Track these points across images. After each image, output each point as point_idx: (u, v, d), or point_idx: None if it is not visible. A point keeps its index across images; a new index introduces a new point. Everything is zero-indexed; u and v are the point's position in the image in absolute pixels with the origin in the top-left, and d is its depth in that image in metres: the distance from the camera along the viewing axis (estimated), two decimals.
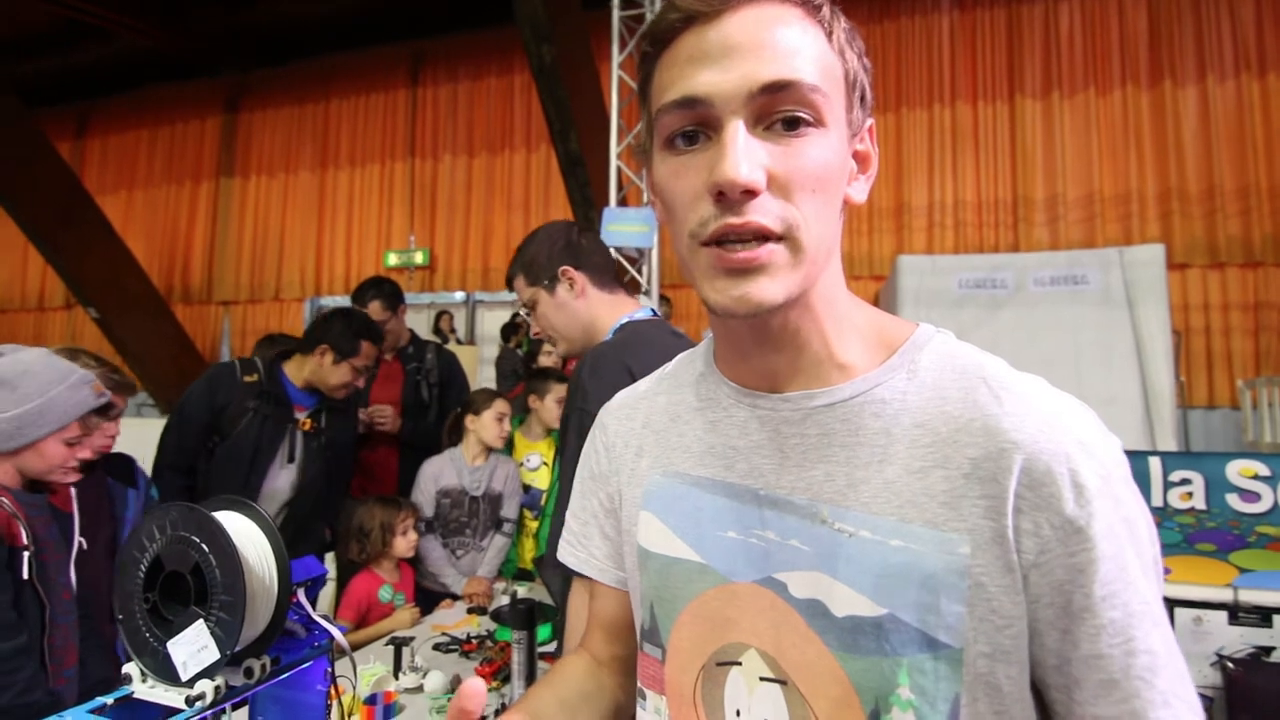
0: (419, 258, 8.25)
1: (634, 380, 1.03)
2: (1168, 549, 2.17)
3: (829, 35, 0.52)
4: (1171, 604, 2.09)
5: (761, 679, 0.55)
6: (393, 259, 8.31)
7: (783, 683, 0.54)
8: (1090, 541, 0.47)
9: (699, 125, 0.50)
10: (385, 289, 2.73)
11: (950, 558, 0.49)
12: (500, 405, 2.49)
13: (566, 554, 0.73)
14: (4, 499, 1.36)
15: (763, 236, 0.48)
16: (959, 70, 6.67)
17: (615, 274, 1.38)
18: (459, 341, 7.46)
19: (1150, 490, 2.18)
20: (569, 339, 1.35)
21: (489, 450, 2.49)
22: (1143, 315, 4.50)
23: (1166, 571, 2.23)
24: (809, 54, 0.50)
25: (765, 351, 0.56)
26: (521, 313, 1.42)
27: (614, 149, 4.51)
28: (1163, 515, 2.17)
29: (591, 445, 0.72)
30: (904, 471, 0.51)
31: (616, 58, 4.53)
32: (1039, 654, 0.50)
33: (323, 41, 8.23)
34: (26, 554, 1.36)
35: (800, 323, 0.54)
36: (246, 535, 0.83)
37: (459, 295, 8.43)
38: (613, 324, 1.29)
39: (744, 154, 0.47)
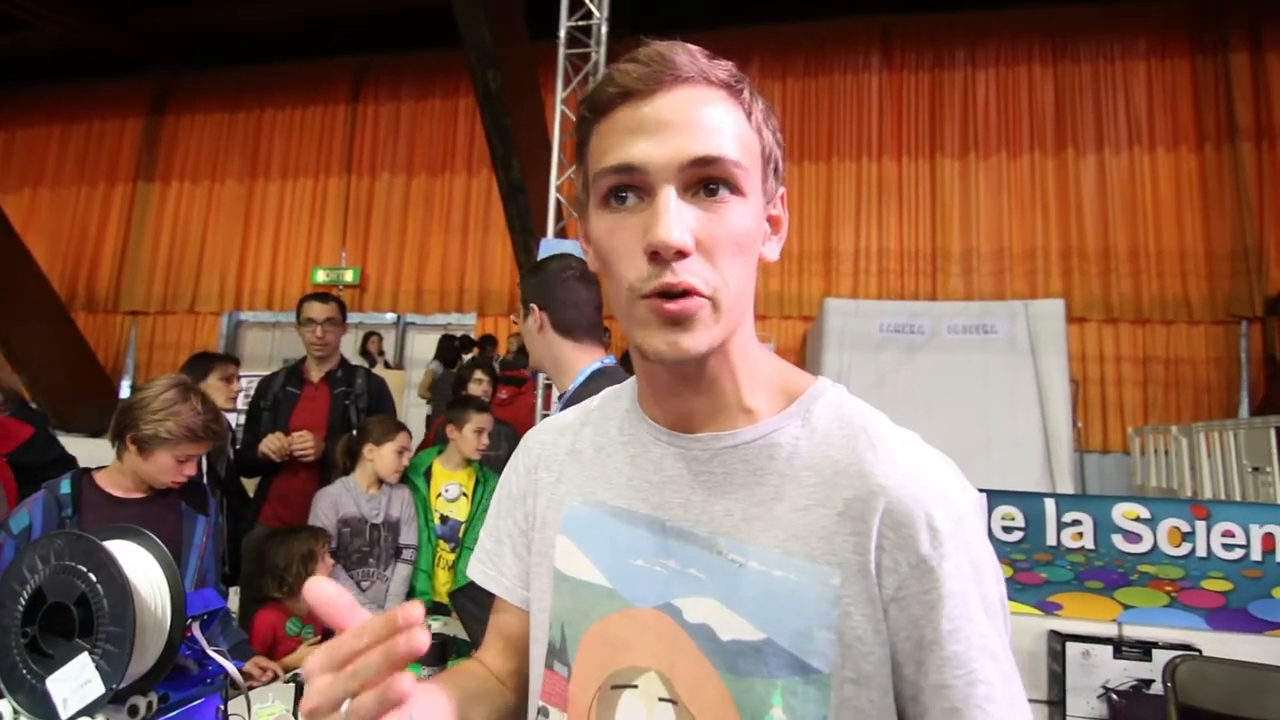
0: (349, 276, 8.03)
1: None
2: (1059, 586, 2.31)
3: (748, 115, 0.58)
4: (1063, 638, 2.21)
5: (660, 699, 0.58)
6: (321, 275, 8.06)
7: (674, 703, 0.57)
8: (939, 580, 0.53)
9: (633, 187, 0.56)
10: (336, 300, 2.67)
11: (823, 588, 0.54)
12: (403, 439, 2.42)
13: (476, 571, 0.74)
14: None
15: (700, 294, 0.54)
16: (885, 128, 7.10)
17: (588, 325, 1.42)
18: (387, 365, 7.26)
19: (1045, 529, 2.32)
20: (538, 366, 1.45)
21: (381, 479, 2.44)
22: (1044, 364, 4.83)
23: (1058, 607, 2.36)
24: (731, 132, 0.56)
25: (685, 394, 0.61)
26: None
27: (554, 179, 4.56)
28: (1055, 554, 2.32)
29: (513, 467, 0.74)
30: (791, 509, 0.57)
31: (560, 92, 4.61)
32: (899, 685, 0.54)
33: (261, 49, 8.02)
34: None
35: (717, 370, 0.59)
36: (139, 565, 0.79)
37: (389, 316, 8.23)
38: (580, 369, 1.35)
39: (675, 219, 0.53)
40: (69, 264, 8.69)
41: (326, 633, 2.20)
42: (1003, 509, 2.36)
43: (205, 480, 1.93)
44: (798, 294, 6.92)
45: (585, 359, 1.37)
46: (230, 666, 0.85)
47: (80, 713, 0.73)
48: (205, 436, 1.63)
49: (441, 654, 1.47)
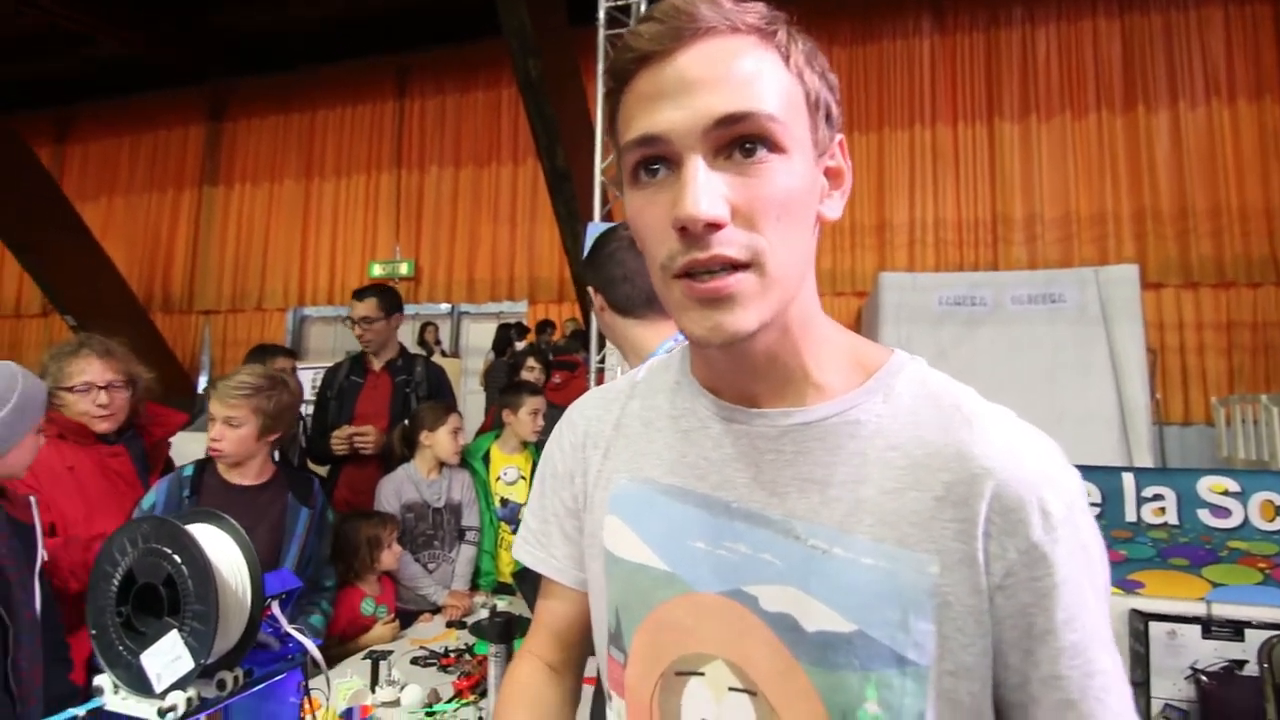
0: (404, 269, 8.22)
1: None
2: (1141, 564, 2.20)
3: (786, 59, 0.52)
4: (1146, 618, 2.11)
5: (730, 689, 0.55)
6: (377, 269, 8.27)
7: (752, 693, 0.54)
8: (1053, 567, 0.50)
9: (661, 159, 0.51)
10: (385, 292, 2.73)
11: (920, 577, 0.50)
12: (454, 420, 2.48)
13: (524, 553, 0.72)
14: None
15: (730, 266, 0.49)
16: (939, 93, 6.81)
17: (649, 297, 1.26)
18: (444, 354, 7.44)
19: (1124, 506, 2.21)
20: (619, 350, 1.33)
21: (441, 463, 2.49)
22: (1118, 333, 4.58)
23: (1140, 586, 2.25)
24: (765, 82, 0.50)
25: (743, 375, 0.57)
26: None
27: (599, 164, 4.54)
28: (1136, 530, 2.21)
29: (556, 444, 0.71)
30: (878, 492, 0.52)
31: (601, 75, 4.57)
32: (1001, 673, 0.51)
33: (309, 52, 8.23)
34: None
35: (778, 346, 0.55)
36: (219, 547, 0.83)
37: (444, 307, 8.40)
38: (654, 348, 1.21)
39: (704, 189, 0.48)
40: (145, 267, 9.16)
41: (399, 613, 2.28)
42: None
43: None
44: (850, 270, 6.75)
45: (655, 336, 1.24)
46: (309, 644, 0.88)
47: (173, 686, 0.76)
48: (221, 393, 1.80)
49: (508, 631, 1.50)
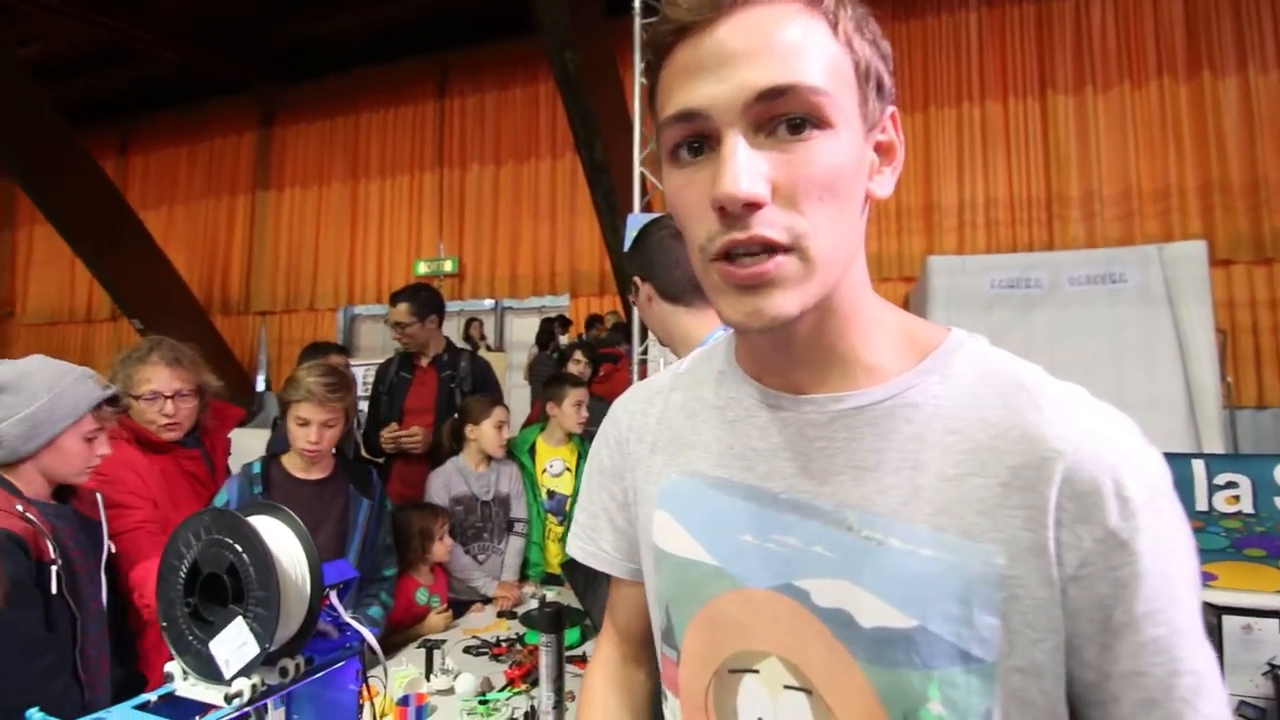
0: (448, 266, 8.37)
1: None
2: (1214, 555, 2.09)
3: (834, 27, 0.48)
4: (1219, 611, 2.01)
5: (786, 687, 0.53)
6: (423, 268, 8.44)
7: (808, 692, 0.53)
8: (1134, 555, 0.46)
9: (700, 136, 0.48)
10: (419, 294, 2.78)
11: (985, 568, 0.47)
12: (499, 413, 2.51)
13: (575, 548, 0.72)
14: (30, 514, 1.35)
15: (770, 248, 0.47)
16: (988, 67, 6.57)
17: (695, 284, 1.27)
18: (489, 348, 7.55)
19: (1194, 494, 2.10)
20: (662, 342, 1.31)
21: (488, 457, 2.52)
22: (1185, 314, 4.36)
23: (1213, 578, 2.15)
24: (810, 52, 0.47)
25: (788, 360, 0.55)
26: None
27: (637, 155, 4.53)
28: (1208, 520, 2.10)
29: (603, 439, 0.70)
30: (937, 478, 0.49)
31: (639, 65, 4.55)
32: (1076, 669, 0.48)
33: (353, 57, 8.42)
34: (54, 568, 1.35)
35: (824, 330, 0.53)
36: (278, 537, 0.85)
37: (488, 303, 8.52)
38: (705, 334, 1.20)
39: (743, 167, 0.46)
40: (204, 271, 9.54)
41: (451, 603, 2.33)
42: None
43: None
44: (897, 254, 6.58)
45: (704, 325, 1.21)
46: (367, 633, 0.90)
47: (239, 672, 0.79)
48: (320, 398, 1.84)
49: (557, 621, 1.52)
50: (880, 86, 0.51)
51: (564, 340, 6.42)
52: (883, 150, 0.53)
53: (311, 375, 1.89)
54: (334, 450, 1.99)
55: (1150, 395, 4.20)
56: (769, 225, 0.46)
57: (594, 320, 6.72)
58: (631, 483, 0.66)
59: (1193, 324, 4.35)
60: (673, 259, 1.23)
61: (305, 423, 1.86)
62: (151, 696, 0.81)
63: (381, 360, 3.06)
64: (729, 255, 0.48)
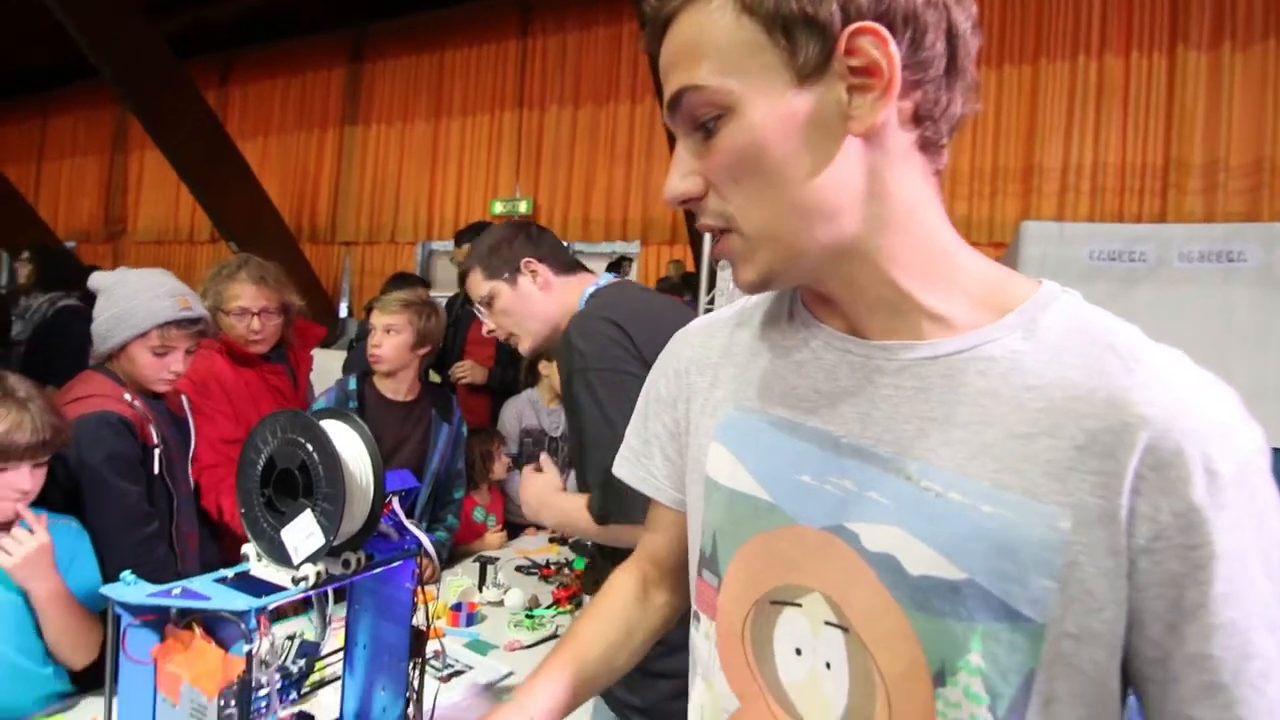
0: (523, 207, 8.44)
1: (621, 331, 1.11)
2: None
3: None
4: None
5: (826, 623, 0.54)
6: (499, 207, 8.55)
7: (846, 630, 0.53)
8: (1214, 535, 0.44)
9: None
10: (478, 234, 2.84)
11: (1048, 532, 0.46)
12: None
13: (624, 470, 0.74)
14: (136, 401, 1.50)
15: (723, 229, 0.53)
16: (1111, 17, 5.98)
17: (573, 260, 1.40)
18: None
19: None
20: (533, 333, 1.33)
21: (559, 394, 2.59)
22: None
23: None
24: (700, 46, 0.49)
25: (843, 306, 0.56)
26: (479, 312, 1.39)
27: None
28: None
29: (660, 370, 0.71)
30: (1007, 435, 0.48)
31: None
32: (1138, 644, 0.47)
33: None
34: (157, 451, 1.50)
35: (857, 277, 0.53)
36: (347, 441, 0.90)
37: None
38: (579, 298, 1.31)
39: (674, 171, 0.53)
40: (295, 201, 9.95)
41: (507, 523, 2.45)
42: None
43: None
44: (988, 218, 6.20)
45: (582, 289, 1.31)
46: (424, 537, 0.95)
47: (306, 559, 0.85)
48: (383, 304, 2.01)
49: (604, 549, 1.56)
50: (813, 21, 0.46)
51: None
52: (862, 73, 0.48)
53: (389, 290, 2.05)
54: (421, 376, 2.12)
55: (1260, 384, 3.87)
56: (707, 214, 0.53)
57: (680, 269, 6.69)
58: (685, 413, 0.67)
59: None
60: (554, 242, 1.38)
61: (372, 329, 2.01)
62: (229, 573, 0.89)
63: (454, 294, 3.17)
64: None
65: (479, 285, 1.34)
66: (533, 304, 1.32)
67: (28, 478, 1.21)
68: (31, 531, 1.19)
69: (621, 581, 0.78)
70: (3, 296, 2.95)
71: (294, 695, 1.09)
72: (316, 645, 1.13)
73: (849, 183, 0.49)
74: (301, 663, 1.09)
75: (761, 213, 0.51)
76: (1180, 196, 5.68)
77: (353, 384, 2.01)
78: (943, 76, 0.50)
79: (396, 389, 2.02)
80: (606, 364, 1.11)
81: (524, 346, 1.35)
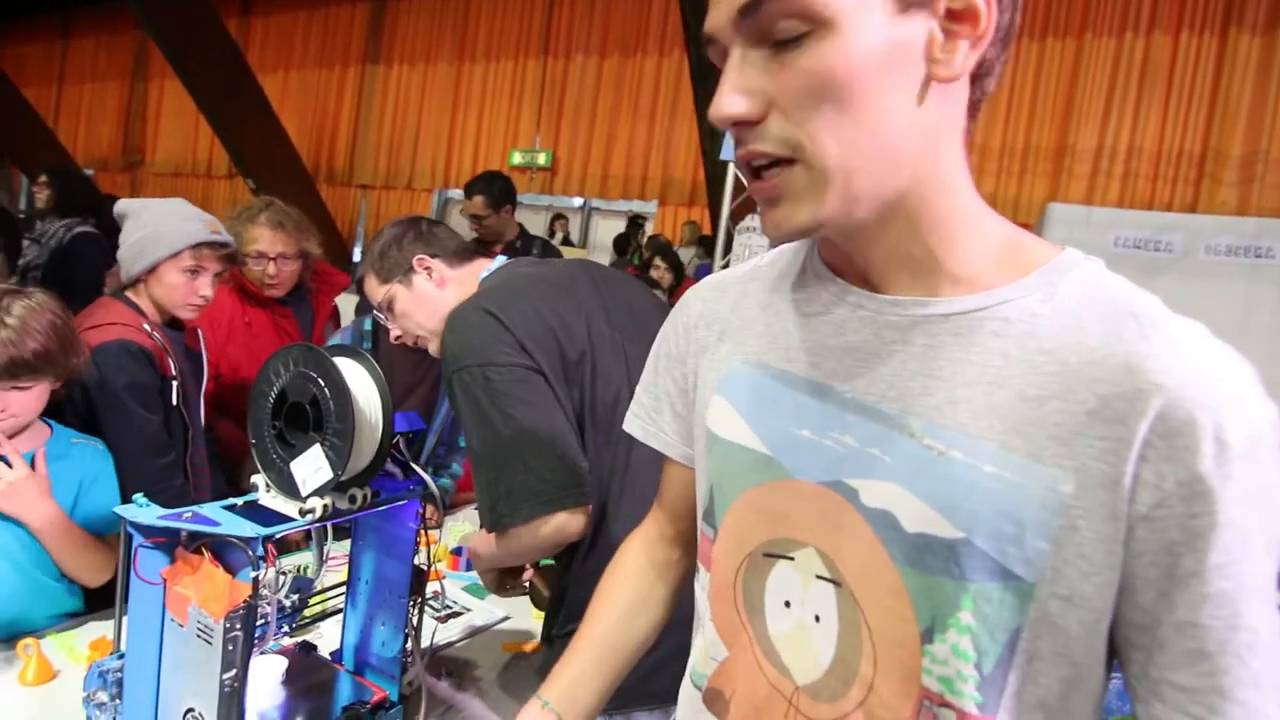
0: (541, 159, 8.33)
1: (493, 319, 1.05)
2: None
3: None
4: None
5: (818, 577, 0.55)
6: (517, 158, 8.44)
7: (838, 584, 0.54)
8: (1218, 505, 0.43)
9: (724, 57, 0.49)
10: (494, 184, 2.80)
11: (1048, 494, 0.46)
12: None
13: (635, 426, 0.74)
14: (155, 332, 1.51)
15: (773, 162, 0.48)
16: None
17: (467, 248, 1.33)
18: (569, 243, 7.59)
19: None
20: (437, 333, 1.23)
21: None
22: None
23: None
24: None
25: (862, 262, 0.54)
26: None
27: None
28: None
29: (671, 324, 0.71)
30: (1016, 397, 0.48)
31: None
32: (1127, 610, 0.47)
33: None
34: (175, 383, 1.52)
35: (887, 231, 0.51)
36: (357, 378, 0.90)
37: (576, 201, 8.50)
38: (478, 279, 1.26)
39: (726, 88, 0.47)
40: (313, 140, 9.86)
41: None
42: None
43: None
44: (1015, 197, 6.07)
45: (476, 272, 1.27)
46: (428, 478, 0.97)
47: (313, 492, 0.86)
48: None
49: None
50: None
51: (646, 238, 6.39)
52: (956, 18, 0.46)
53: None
54: None
55: (1276, 385, 3.83)
56: (761, 139, 0.47)
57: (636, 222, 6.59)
58: (694, 368, 0.67)
59: None
60: (446, 233, 1.32)
61: None
62: (238, 501, 0.90)
63: None
64: (754, 169, 0.49)
65: (375, 290, 1.30)
66: (431, 302, 1.26)
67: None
68: (10, 466, 1.18)
69: (630, 549, 0.80)
70: (15, 221, 2.94)
71: (285, 629, 1.11)
72: (311, 581, 1.15)
73: (921, 131, 0.48)
74: (295, 597, 1.11)
75: (840, 145, 0.46)
76: (1214, 187, 5.53)
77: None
78: (1002, 38, 0.49)
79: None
80: (476, 359, 1.04)
81: (433, 347, 1.28)
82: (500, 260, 1.30)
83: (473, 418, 1.03)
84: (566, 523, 1.02)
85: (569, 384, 1.08)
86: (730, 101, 0.47)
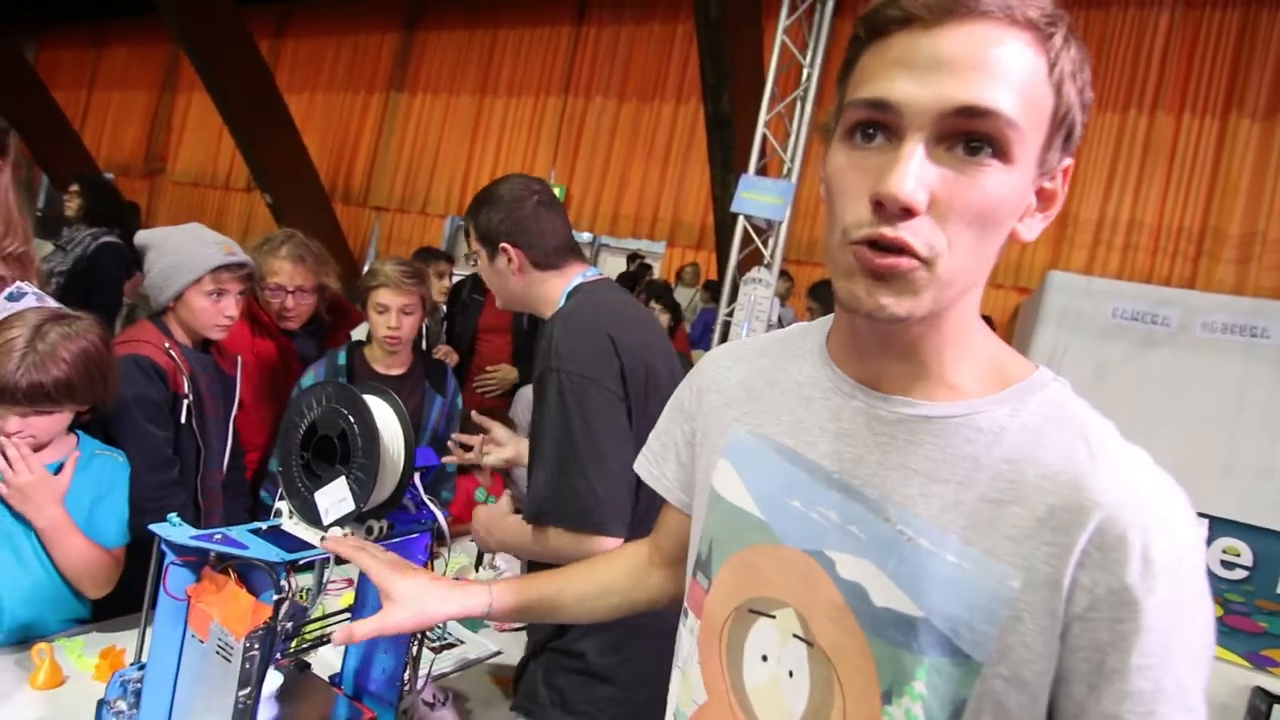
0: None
1: (610, 344, 1.11)
2: (1276, 640, 1.97)
3: (1051, 67, 0.50)
4: (1271, 700, 1.90)
5: (794, 635, 0.60)
6: None
7: (810, 644, 0.59)
8: (1142, 614, 0.49)
9: (882, 127, 0.50)
10: None
11: (999, 587, 0.51)
12: None
13: (642, 468, 0.81)
14: (173, 352, 1.56)
15: (918, 258, 0.50)
16: (1169, 75, 5.95)
17: (567, 248, 1.29)
18: None
19: (1278, 576, 1.97)
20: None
21: None
22: None
23: (1273, 664, 2.03)
24: (1018, 83, 0.48)
25: (881, 355, 0.58)
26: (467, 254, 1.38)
27: (763, 115, 4.42)
28: None
29: (688, 383, 0.78)
30: (979, 499, 0.53)
31: (783, 20, 4.39)
32: (1062, 700, 0.52)
33: None
34: (185, 401, 1.55)
35: (922, 340, 0.56)
36: (384, 417, 0.96)
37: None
38: (562, 291, 1.26)
39: (913, 172, 0.48)
40: (332, 160, 10.05)
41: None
42: (1226, 541, 2.05)
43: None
44: (1017, 262, 6.19)
45: (563, 283, 1.27)
46: (440, 515, 1.01)
47: (335, 522, 0.91)
48: (396, 282, 1.93)
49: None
50: (1069, 135, 0.53)
51: (651, 276, 6.49)
52: (1043, 197, 0.55)
53: (389, 264, 1.99)
54: (413, 347, 2.09)
55: (1264, 464, 3.86)
56: (915, 234, 0.49)
57: (643, 267, 6.67)
58: (701, 427, 0.73)
59: None
60: (549, 228, 1.26)
61: (384, 309, 1.94)
62: (262, 525, 0.95)
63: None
64: (871, 243, 0.50)
65: (470, 238, 1.33)
66: (502, 282, 1.30)
67: (14, 423, 1.19)
68: (29, 469, 1.21)
69: (630, 550, 0.89)
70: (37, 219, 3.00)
71: (277, 655, 1.14)
72: (305, 609, 1.18)
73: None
74: (288, 625, 1.13)
75: (965, 260, 0.51)
76: (1213, 264, 5.66)
77: (342, 358, 1.98)
78: None
79: (389, 363, 2.00)
80: (581, 369, 1.09)
81: (497, 302, 1.37)
82: (594, 271, 1.31)
83: (555, 416, 1.09)
84: (599, 545, 1.07)
85: (635, 422, 1.14)
86: (914, 192, 0.48)
